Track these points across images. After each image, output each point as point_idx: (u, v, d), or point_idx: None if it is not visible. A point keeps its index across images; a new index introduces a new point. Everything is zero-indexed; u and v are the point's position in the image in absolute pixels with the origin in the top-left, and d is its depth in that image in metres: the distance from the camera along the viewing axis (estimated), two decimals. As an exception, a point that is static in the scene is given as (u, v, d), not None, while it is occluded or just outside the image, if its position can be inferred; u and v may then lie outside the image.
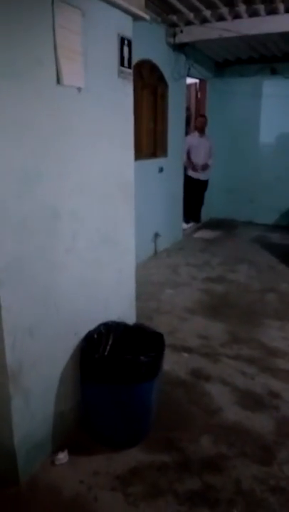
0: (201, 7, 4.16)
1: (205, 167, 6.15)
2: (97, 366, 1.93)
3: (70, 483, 1.86)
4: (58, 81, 1.69)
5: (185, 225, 6.34)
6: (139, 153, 4.41)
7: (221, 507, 1.73)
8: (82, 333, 2.07)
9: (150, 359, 1.92)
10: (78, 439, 2.10)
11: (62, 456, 1.97)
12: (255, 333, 3.23)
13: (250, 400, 2.41)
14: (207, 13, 4.25)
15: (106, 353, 2.11)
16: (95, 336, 2.08)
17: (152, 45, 4.46)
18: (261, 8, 4.06)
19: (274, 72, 6.14)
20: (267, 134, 6.53)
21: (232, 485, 1.85)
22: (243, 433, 2.15)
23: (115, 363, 1.90)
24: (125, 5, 2.02)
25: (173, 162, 5.34)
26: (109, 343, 2.14)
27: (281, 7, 3.97)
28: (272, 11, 4.09)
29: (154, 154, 4.90)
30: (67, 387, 2.03)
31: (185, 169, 5.93)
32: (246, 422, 2.23)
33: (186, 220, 6.48)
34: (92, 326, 2.13)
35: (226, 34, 4.40)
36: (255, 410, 2.32)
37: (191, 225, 6.60)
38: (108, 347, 2.13)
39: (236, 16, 4.28)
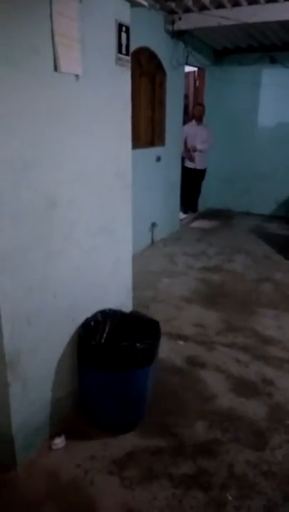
0: (200, -7, 4.11)
1: (194, 149, 6.09)
2: (94, 353, 1.95)
3: (67, 468, 1.90)
4: (56, 68, 1.69)
5: (182, 215, 6.35)
6: (137, 142, 4.39)
7: (214, 491, 1.78)
8: (80, 320, 2.09)
9: (146, 346, 1.95)
10: (75, 424, 2.13)
11: (60, 441, 2.01)
12: (250, 321, 3.26)
13: (244, 387, 2.45)
14: (206, 0, 4.20)
15: (103, 340, 2.14)
16: (92, 323, 2.10)
17: (150, 33, 4.41)
18: (261, -5, 4.02)
19: (273, 61, 6.09)
20: (265, 124, 6.51)
21: (225, 469, 1.89)
22: (237, 419, 2.19)
23: (112, 350, 1.93)
24: (123, -9, 2.00)
25: (171, 151, 5.32)
26: (106, 330, 2.17)
27: (281, -5, 3.94)
28: (271, -1, 4.05)
29: (151, 143, 4.89)
30: (65, 373, 2.06)
31: (182, 160, 5.91)
32: (240, 409, 2.27)
33: (184, 209, 6.49)
34: (89, 314, 2.15)
35: (225, 22, 4.35)
36: (249, 397, 2.37)
37: (188, 214, 6.61)
38: (105, 334, 2.16)
39: (236, 4, 4.23)
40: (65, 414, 2.13)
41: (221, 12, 4.34)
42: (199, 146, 6.10)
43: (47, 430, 2.03)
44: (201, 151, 6.12)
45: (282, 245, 5.03)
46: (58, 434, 2.04)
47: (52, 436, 2.03)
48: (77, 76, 1.82)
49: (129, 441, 2.04)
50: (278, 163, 6.46)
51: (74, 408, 2.17)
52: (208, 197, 7.02)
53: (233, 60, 6.39)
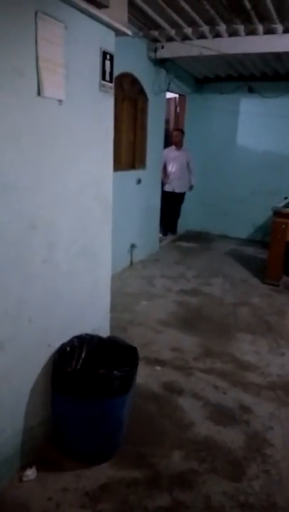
0: (183, 24, 4.24)
1: (190, 188, 6.39)
2: (70, 380, 1.90)
3: (38, 500, 1.82)
4: (39, 93, 1.69)
5: (162, 236, 6.39)
6: (118, 165, 4.43)
7: (190, 524, 1.73)
8: (56, 345, 2.04)
9: (123, 373, 1.91)
10: (47, 454, 2.05)
11: (31, 473, 1.93)
12: (228, 346, 3.26)
13: (222, 415, 2.43)
14: (188, 30, 4.34)
15: (78, 367, 2.08)
16: (68, 348, 2.05)
17: (134, 59, 4.51)
18: (241, 28, 4.17)
19: (251, 90, 6.31)
20: (242, 150, 6.68)
21: (202, 501, 1.85)
22: (214, 448, 2.16)
23: (88, 377, 1.88)
24: (108, 20, 2.04)
25: (151, 174, 5.38)
26: (83, 356, 2.12)
27: (260, 28, 4.10)
28: (251, 32, 4.21)
29: (132, 166, 4.93)
30: (38, 400, 2.00)
31: (162, 184, 5.99)
32: (217, 437, 2.24)
33: (164, 231, 6.54)
34: (66, 338, 2.10)
35: (206, 52, 4.49)
36: (226, 425, 2.34)
37: (167, 236, 6.65)
38: (81, 360, 2.10)
39: (217, 35, 4.38)
40: (37, 444, 2.05)
41: (202, 42, 4.48)
42: (193, 181, 6.40)
43: (18, 460, 1.95)
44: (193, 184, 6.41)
45: (259, 269, 5.09)
46: (29, 465, 1.96)
47: (23, 467, 1.95)
48: (60, 101, 1.83)
49: (103, 473, 1.97)
50: (255, 188, 6.61)
51: (46, 437, 2.10)
52: (188, 219, 7.11)
53: (212, 88, 6.58)
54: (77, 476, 1.95)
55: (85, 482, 1.92)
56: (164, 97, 5.51)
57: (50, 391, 2.00)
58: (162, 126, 5.63)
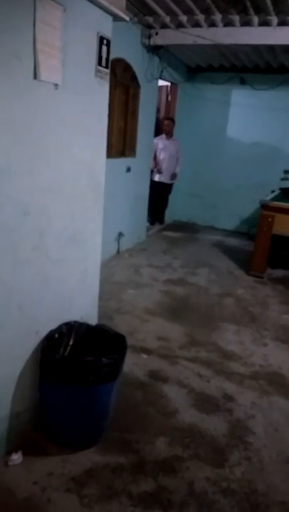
0: (178, 11, 4.18)
1: (174, 176, 6.29)
2: (58, 367, 1.91)
3: (24, 485, 1.84)
4: (35, 76, 1.66)
5: (149, 226, 6.39)
6: (109, 152, 4.37)
7: (174, 509, 1.77)
8: (44, 332, 2.04)
9: (111, 361, 1.93)
10: (34, 440, 2.07)
11: (16, 457, 1.94)
12: (213, 336, 3.31)
13: (206, 403, 2.48)
14: (183, 18, 4.29)
15: (66, 354, 2.09)
16: (56, 335, 2.06)
17: (127, 45, 4.44)
18: (236, 19, 4.14)
19: (243, 82, 6.30)
20: (231, 142, 6.69)
21: (185, 487, 1.89)
22: (198, 435, 2.21)
23: (76, 364, 1.89)
24: (106, 5, 2.00)
25: (141, 162, 5.35)
26: (70, 343, 2.13)
27: (255, 20, 4.07)
28: (246, 23, 4.19)
29: (122, 153, 4.90)
30: (25, 387, 2.00)
31: (150, 173, 5.97)
32: (201, 425, 2.29)
33: (151, 220, 6.55)
34: (54, 325, 2.10)
35: (200, 41, 4.45)
36: (210, 413, 2.39)
37: (155, 225, 6.66)
38: (69, 347, 2.12)
39: (212, 24, 4.34)
40: (23, 430, 2.07)
41: (197, 31, 4.44)
42: (177, 170, 6.30)
43: (4, 446, 1.96)
44: (177, 173, 6.33)
45: (244, 260, 5.16)
46: (15, 450, 1.97)
47: (9, 452, 1.96)
48: (56, 85, 1.80)
49: (88, 458, 2.00)
50: (243, 181, 6.65)
51: (33, 423, 2.11)
52: (175, 209, 7.12)
53: (205, 77, 6.55)
54: (62, 461, 1.97)
55: (70, 467, 1.94)
56: (156, 84, 5.46)
57: (38, 377, 2.00)
58: (153, 114, 5.60)
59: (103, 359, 1.90)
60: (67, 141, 1.96)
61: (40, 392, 2.03)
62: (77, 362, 1.90)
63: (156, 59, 5.16)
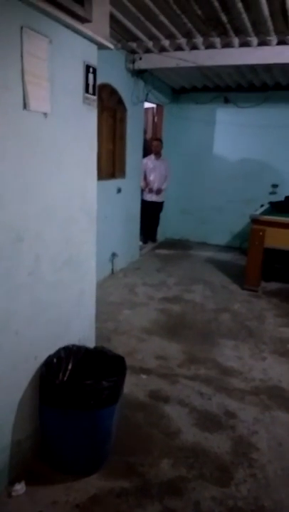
0: (160, 36, 4.32)
1: (159, 191, 6.33)
2: (57, 392, 1.89)
3: (28, 516, 1.80)
4: (25, 106, 1.70)
5: (142, 245, 6.43)
6: (99, 174, 4.43)
7: (181, 531, 1.74)
8: (43, 357, 2.03)
9: (112, 384, 1.92)
10: (36, 468, 2.04)
11: (20, 487, 1.91)
12: (211, 352, 3.31)
13: (208, 421, 2.46)
14: (166, 42, 4.43)
15: (66, 378, 2.08)
16: (55, 360, 2.05)
17: (112, 70, 4.56)
18: (217, 41, 4.28)
19: (227, 101, 6.46)
20: (219, 159, 6.81)
21: (191, 508, 1.86)
22: (202, 454, 2.19)
23: (76, 389, 1.88)
24: (91, 34, 2.07)
25: (131, 183, 5.42)
26: (69, 367, 2.12)
27: (236, 41, 4.21)
28: (227, 45, 4.33)
29: (112, 175, 4.96)
30: (26, 414, 1.98)
31: (141, 192, 6.04)
32: (204, 443, 2.27)
33: (144, 239, 6.59)
34: (52, 350, 2.10)
35: (183, 64, 4.59)
36: (212, 431, 2.37)
37: (147, 244, 6.70)
38: (68, 372, 2.11)
39: (193, 47, 4.48)
40: (25, 458, 2.03)
41: (179, 54, 4.58)
42: (163, 186, 6.35)
43: (6, 475, 1.93)
44: (164, 189, 6.38)
45: (238, 275, 5.19)
46: (18, 480, 1.93)
47: (11, 482, 1.93)
48: (45, 114, 1.84)
49: (93, 484, 1.97)
50: (232, 197, 6.74)
51: (34, 450, 2.08)
52: (167, 227, 7.19)
53: (189, 98, 6.71)
54: (66, 488, 1.94)
55: (74, 494, 1.91)
56: (142, 107, 5.58)
57: (38, 404, 1.99)
58: (141, 136, 5.70)
59: (103, 382, 1.90)
60: (58, 167, 2.00)
61: (40, 419, 2.00)
62: (77, 386, 1.89)
63: (141, 82, 5.29)
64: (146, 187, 6.24)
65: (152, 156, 6.31)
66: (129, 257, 5.74)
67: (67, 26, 1.92)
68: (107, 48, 2.27)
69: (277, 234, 4.46)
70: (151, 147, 6.38)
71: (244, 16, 3.55)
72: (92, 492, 1.93)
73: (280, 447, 2.26)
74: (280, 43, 4.10)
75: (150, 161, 6.27)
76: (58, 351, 2.11)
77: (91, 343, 2.50)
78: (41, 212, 1.89)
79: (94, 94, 2.22)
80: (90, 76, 2.18)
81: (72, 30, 1.96)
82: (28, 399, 1.98)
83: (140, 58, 4.79)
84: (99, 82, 4.20)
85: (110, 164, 4.92)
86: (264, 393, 2.76)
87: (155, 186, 6.27)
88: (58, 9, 1.81)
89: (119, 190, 5.12)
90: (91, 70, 2.17)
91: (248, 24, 3.76)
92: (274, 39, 4.05)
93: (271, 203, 5.48)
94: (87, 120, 2.20)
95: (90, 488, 1.95)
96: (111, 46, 2.29)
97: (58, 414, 1.92)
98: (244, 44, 4.24)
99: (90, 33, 2.05)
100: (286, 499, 1.92)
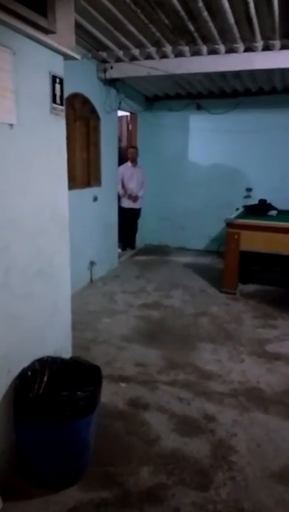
0: (130, 45, 4.36)
1: (136, 199, 6.36)
2: (32, 405, 1.87)
3: (5, 533, 1.76)
4: (-11, 118, 1.69)
5: (121, 252, 6.43)
6: (73, 183, 4.45)
7: (161, 539, 1.74)
8: (16, 370, 2.01)
9: (87, 394, 1.91)
10: (13, 483, 2.00)
11: (-4, 504, 1.87)
12: (190, 357, 3.32)
13: (187, 426, 2.46)
14: (136, 51, 4.47)
15: (41, 391, 2.06)
16: (29, 373, 2.02)
17: (84, 80, 4.59)
18: (186, 49, 4.35)
19: (199, 107, 6.57)
20: (194, 165, 6.90)
21: (172, 515, 1.86)
22: (181, 460, 2.19)
23: (51, 401, 1.86)
24: (55, 45, 2.08)
25: (107, 191, 5.43)
26: (45, 379, 2.09)
27: (204, 49, 4.29)
28: (196, 53, 4.40)
29: (88, 184, 4.96)
30: (0, 429, 1.95)
31: (118, 199, 6.06)
32: (184, 448, 2.27)
33: (122, 246, 6.60)
34: (27, 362, 2.07)
35: (154, 72, 4.64)
36: (192, 436, 2.38)
37: (126, 251, 6.71)
38: (43, 384, 2.08)
39: (163, 56, 4.54)
40: (2, 473, 1.99)
41: (149, 63, 4.63)
42: (140, 193, 6.38)
43: (-18, 493, 1.89)
44: (140, 196, 6.40)
45: (216, 279, 5.23)
46: (-5, 497, 1.90)
47: (-12, 500, 1.88)
48: (11, 125, 1.84)
49: (72, 496, 1.94)
50: (208, 201, 6.82)
51: (11, 466, 2.04)
52: (146, 234, 7.21)
53: (162, 106, 6.79)
54: (45, 502, 1.91)
55: (53, 508, 1.88)
56: (115, 115, 5.61)
57: (13, 418, 1.96)
58: (115, 144, 5.72)
59: (78, 393, 1.88)
60: (26, 177, 1.99)
61: (15, 433, 1.97)
62: (52, 398, 1.87)
63: (113, 91, 5.32)
64: (126, 194, 6.27)
65: (129, 163, 6.34)
66: (108, 264, 5.73)
67: (31, 38, 1.92)
68: (73, 58, 2.28)
69: (252, 237, 4.53)
70: (127, 155, 6.42)
71: (210, 24, 3.62)
72: (72, 504, 1.90)
73: (259, 448, 2.28)
74: (247, 50, 4.20)
75: (127, 168, 6.30)
76: (33, 363, 2.09)
77: (68, 354, 2.49)
78: (8, 224, 1.87)
79: (61, 104, 2.23)
80: (57, 86, 2.18)
81: (36, 41, 1.97)
82: (2, 413, 1.95)
83: (111, 67, 4.83)
84: (71, 91, 4.26)
85: (85, 173, 4.92)
86: (242, 395, 2.78)
87: (133, 193, 6.31)
88: (20, 21, 1.81)
89: (95, 199, 5.12)
90: (58, 80, 2.18)
91: (215, 32, 3.84)
92: (241, 46, 4.14)
93: (245, 207, 5.57)
94: (56, 130, 2.21)
95: (69, 500, 1.92)
96: (77, 56, 2.30)
97: (33, 427, 1.90)
98: (212, 52, 4.32)
99: (54, 44, 2.06)
100: (265, 500, 1.94)
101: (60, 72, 2.20)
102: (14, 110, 1.85)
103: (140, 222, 6.80)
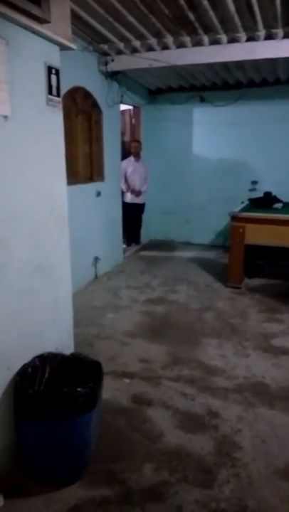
0: (131, 37, 4.30)
1: (138, 194, 6.31)
2: (32, 402, 1.84)
3: (6, 531, 1.74)
4: (-18, 110, 1.66)
5: (126, 247, 6.40)
6: (76, 178, 4.41)
7: (163, 537, 1.70)
8: (16, 367, 1.98)
9: (88, 390, 1.87)
10: (14, 480, 1.98)
11: (-3, 502, 1.85)
12: (195, 352, 3.28)
13: (191, 422, 2.43)
14: (137, 43, 4.41)
15: (42, 387, 2.03)
16: (30, 369, 2.00)
17: (85, 73, 4.53)
18: (187, 40, 4.27)
19: (203, 100, 6.48)
20: (198, 158, 6.82)
21: (174, 512, 1.83)
22: (185, 457, 2.15)
23: (51, 398, 1.83)
24: (50, 34, 2.04)
25: (110, 186, 5.38)
26: (46, 376, 2.07)
27: (206, 39, 4.21)
28: (197, 43, 4.32)
29: (90, 178, 4.92)
30: (0, 427, 1.92)
31: (122, 195, 6.01)
32: (188, 445, 2.23)
33: (127, 242, 6.56)
34: (27, 359, 2.04)
35: (155, 64, 4.57)
36: (196, 432, 2.34)
37: (131, 246, 6.67)
38: (44, 380, 2.05)
39: (165, 47, 4.47)
40: (3, 471, 1.97)
41: (151, 55, 4.56)
42: (143, 188, 6.31)
43: (-18, 491, 1.87)
44: (144, 191, 6.34)
45: (221, 273, 5.17)
46: (-4, 494, 1.88)
47: (-11, 497, 1.87)
48: (5, 117, 1.80)
49: (73, 494, 1.92)
50: (213, 195, 6.75)
51: (12, 463, 2.02)
52: (151, 229, 7.16)
53: (165, 99, 6.71)
54: (46, 499, 1.89)
55: (55, 505, 1.86)
56: (117, 109, 5.55)
57: (13, 415, 1.93)
58: (118, 138, 5.67)
59: (78, 389, 1.85)
60: (22, 170, 1.95)
61: (16, 430, 1.95)
62: (52, 395, 1.84)
63: (115, 84, 5.26)
64: (128, 189, 6.22)
65: (132, 158, 6.29)
66: (113, 260, 5.69)
67: (25, 27, 1.88)
68: (69, 48, 2.23)
69: (257, 230, 4.47)
70: (130, 149, 6.36)
71: (211, 13, 3.54)
72: (73, 502, 1.88)
73: (264, 444, 2.24)
74: (250, 39, 4.11)
75: (130, 163, 6.25)
76: (33, 360, 2.06)
77: (70, 351, 2.45)
78: (4, 219, 1.84)
79: (58, 95, 2.18)
80: (53, 77, 2.14)
81: (30, 31, 1.93)
82: (3, 410, 1.92)
83: (112, 60, 4.77)
84: (72, 85, 4.21)
85: (88, 168, 4.88)
86: (247, 390, 2.74)
87: (136, 188, 6.25)
88: (13, 10, 1.77)
89: (98, 194, 5.08)
90: (53, 71, 2.13)
91: (216, 21, 3.76)
92: (243, 36, 4.06)
93: (250, 200, 5.49)
94: (52, 122, 2.16)
95: (70, 498, 1.90)
96: (73, 46, 2.25)
97: (33, 424, 1.87)
98: (214, 42, 4.24)
99: (49, 33, 2.02)
100: (270, 497, 1.90)
101: (56, 62, 2.15)
102: (8, 101, 1.81)
103: (145, 217, 6.75)
